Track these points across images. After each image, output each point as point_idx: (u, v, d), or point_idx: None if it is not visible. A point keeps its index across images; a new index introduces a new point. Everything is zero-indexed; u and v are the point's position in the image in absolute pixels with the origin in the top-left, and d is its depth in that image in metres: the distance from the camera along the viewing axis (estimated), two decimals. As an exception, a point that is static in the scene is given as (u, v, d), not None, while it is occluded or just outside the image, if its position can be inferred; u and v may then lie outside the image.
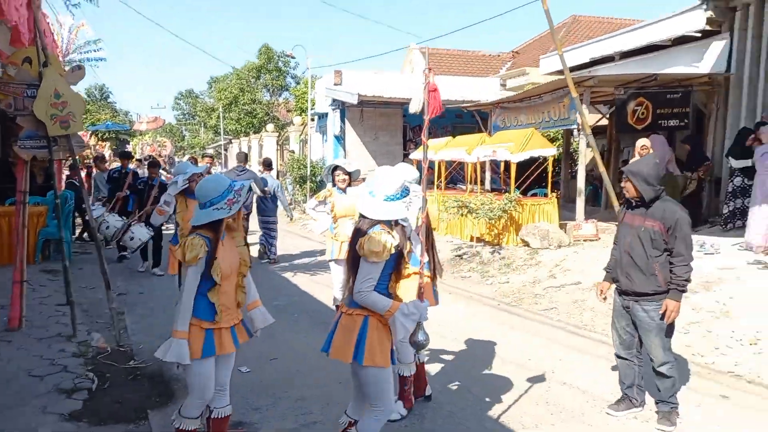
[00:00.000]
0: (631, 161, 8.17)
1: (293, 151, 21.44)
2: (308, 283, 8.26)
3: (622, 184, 3.89)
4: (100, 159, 11.76)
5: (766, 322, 5.45)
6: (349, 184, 5.51)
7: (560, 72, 14.52)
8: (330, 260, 5.63)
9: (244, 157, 10.23)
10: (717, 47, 10.04)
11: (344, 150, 15.95)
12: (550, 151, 9.58)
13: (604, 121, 12.62)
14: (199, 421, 3.13)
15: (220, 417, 3.19)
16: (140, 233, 8.08)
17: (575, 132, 9.91)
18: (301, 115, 22.43)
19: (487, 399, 4.25)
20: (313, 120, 19.06)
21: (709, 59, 10.22)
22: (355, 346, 2.79)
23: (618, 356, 4.03)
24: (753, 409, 4.12)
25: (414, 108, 3.87)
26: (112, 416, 3.81)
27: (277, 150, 25.28)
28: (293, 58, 32.27)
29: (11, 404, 3.83)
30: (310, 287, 7.91)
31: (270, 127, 26.36)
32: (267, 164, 10.34)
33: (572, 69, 13.70)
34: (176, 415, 3.10)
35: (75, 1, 6.07)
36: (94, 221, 6.54)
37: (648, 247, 3.71)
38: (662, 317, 3.68)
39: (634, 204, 3.86)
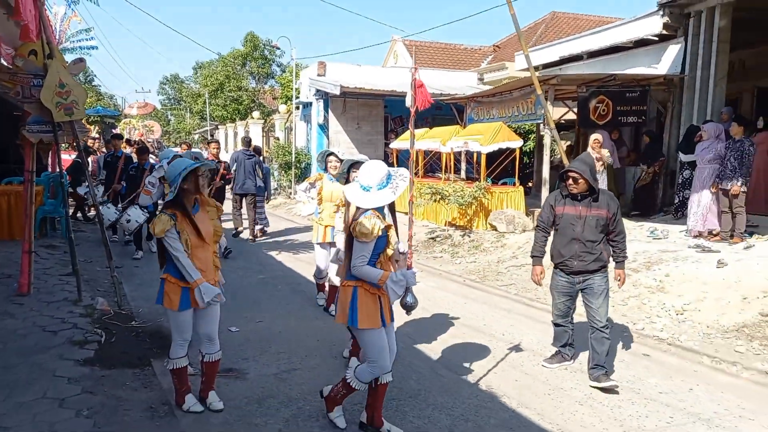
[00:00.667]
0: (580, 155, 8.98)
1: (278, 138, 21.99)
2: (291, 260, 8.92)
3: (570, 183, 4.31)
4: (114, 137, 11.31)
5: (694, 296, 6.24)
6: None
7: (534, 69, 15.32)
8: (316, 243, 6.08)
9: (248, 142, 10.83)
10: (673, 50, 10.83)
11: (328, 138, 16.56)
12: (517, 144, 10.32)
13: (572, 116, 13.39)
14: (186, 359, 3.79)
15: (211, 361, 3.85)
16: (136, 215, 8.27)
17: (541, 126, 10.64)
18: (286, 103, 22.92)
19: (441, 354, 4.97)
20: (297, 108, 19.61)
21: (666, 61, 11.02)
22: (349, 312, 3.35)
23: (555, 324, 4.73)
24: (667, 364, 4.90)
25: (408, 103, 4.54)
26: (120, 362, 4.46)
27: (263, 137, 25.76)
28: (278, 48, 32.58)
29: (30, 352, 4.45)
30: (293, 264, 8.59)
31: (256, 114, 26.82)
32: (257, 150, 11.03)
33: (545, 66, 14.53)
34: (167, 360, 3.78)
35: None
36: (96, 198, 7.11)
37: (596, 233, 4.29)
38: (605, 285, 4.38)
39: (579, 197, 4.34)
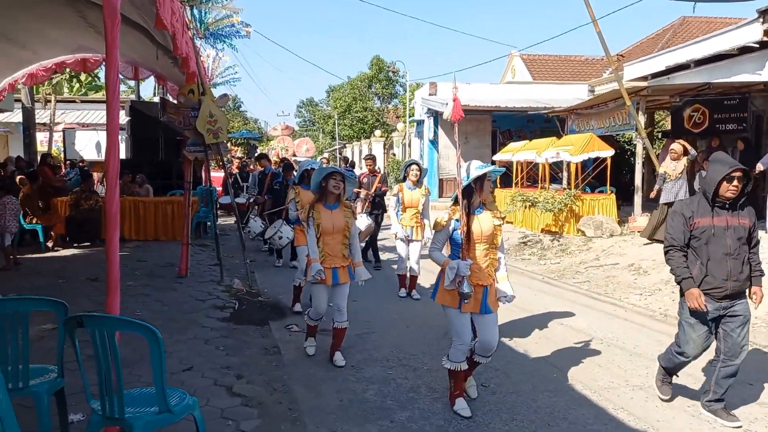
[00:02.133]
0: (663, 163, 9.28)
1: (395, 154, 23.65)
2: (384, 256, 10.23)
3: (735, 184, 3.57)
4: (260, 156, 12.68)
5: None
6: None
7: (643, 78, 15.49)
8: (398, 238, 7.22)
9: (346, 160, 12.41)
10: (774, 57, 10.69)
11: (438, 152, 17.80)
12: (608, 153, 10.81)
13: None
14: (318, 321, 4.95)
15: (339, 327, 4.81)
16: (287, 233, 9.36)
17: (634, 135, 11.02)
18: (404, 121, 24.57)
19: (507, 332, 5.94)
20: (412, 126, 21.10)
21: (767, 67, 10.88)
22: (433, 289, 3.97)
23: (683, 354, 3.83)
24: None
25: (446, 115, 5.58)
26: (247, 321, 5.99)
27: (384, 153, 27.65)
28: (395, 72, 34.75)
29: (187, 312, 6.14)
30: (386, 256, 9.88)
31: (377, 132, 28.86)
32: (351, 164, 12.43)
33: (654, 75, 14.65)
34: (306, 316, 5.06)
35: (231, 43, 8.31)
36: (236, 206, 8.97)
37: (745, 246, 3.67)
38: (749, 309, 3.74)
39: (726, 205, 3.66)
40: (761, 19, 10.57)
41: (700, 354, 3.80)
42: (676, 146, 9.05)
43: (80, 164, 14.67)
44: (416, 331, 5.80)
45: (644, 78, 15.63)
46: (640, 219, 10.42)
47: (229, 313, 6.25)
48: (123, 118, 16.27)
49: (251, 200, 11.15)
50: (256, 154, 15.33)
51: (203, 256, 9.66)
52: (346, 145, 37.12)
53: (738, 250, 3.62)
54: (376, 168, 9.95)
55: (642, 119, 10.63)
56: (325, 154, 38.31)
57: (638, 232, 10.30)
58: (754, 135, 10.99)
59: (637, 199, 10.68)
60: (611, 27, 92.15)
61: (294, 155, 30.25)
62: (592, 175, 11.40)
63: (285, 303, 6.84)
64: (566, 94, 18.61)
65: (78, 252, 9.65)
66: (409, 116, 21.16)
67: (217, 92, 9.36)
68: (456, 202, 3.83)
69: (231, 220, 14.11)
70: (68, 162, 14.84)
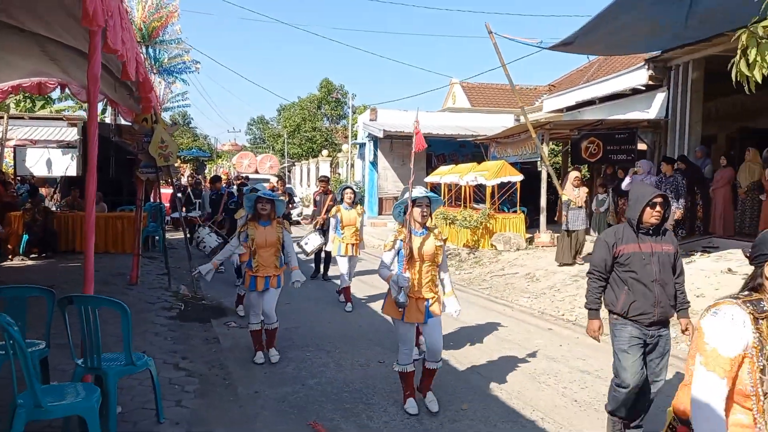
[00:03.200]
0: (564, 191, 10.73)
1: (339, 174, 24.91)
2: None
3: (657, 210, 3.58)
4: (214, 179, 13.16)
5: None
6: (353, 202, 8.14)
7: (559, 111, 17.38)
8: (338, 255, 8.00)
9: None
10: (659, 98, 12.59)
11: (377, 173, 19.15)
12: (518, 178, 12.37)
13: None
14: (259, 324, 5.50)
15: (270, 329, 5.57)
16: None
17: (539, 163, 12.64)
18: (348, 143, 25.92)
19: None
20: (356, 147, 22.43)
21: (654, 107, 12.79)
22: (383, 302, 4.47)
23: (622, 385, 3.63)
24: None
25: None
26: (192, 320, 7.03)
27: (331, 172, 28.87)
28: (345, 95, 36.35)
29: (139, 312, 7.11)
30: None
31: (324, 152, 30.11)
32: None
33: (568, 109, 16.53)
34: (247, 324, 5.72)
35: (183, 78, 9.36)
36: (183, 221, 9.96)
37: (670, 272, 3.64)
38: (670, 341, 3.76)
39: (650, 231, 3.66)
40: (647, 66, 12.44)
41: (639, 382, 3.59)
42: (576, 174, 10.53)
43: (30, 180, 15.23)
44: (337, 328, 6.97)
45: (560, 110, 17.57)
46: (543, 235, 11.97)
47: (176, 313, 7.29)
48: (75, 136, 16.91)
49: (203, 217, 12.04)
50: (210, 176, 16.13)
51: (152, 267, 10.57)
52: (295, 164, 38.13)
53: (663, 277, 3.59)
54: (329, 188, 10.79)
55: (546, 149, 12.26)
56: (273, 180, 39.31)
57: (542, 246, 11.86)
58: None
59: (542, 218, 12.25)
60: (548, 57, 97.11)
61: (257, 171, 30.41)
62: (505, 197, 12.94)
63: (226, 305, 7.91)
64: (497, 121, 20.36)
65: (33, 263, 10.39)
66: (353, 138, 22.52)
67: (167, 114, 10.38)
68: (402, 224, 4.29)
69: (178, 235, 14.95)
70: (18, 178, 15.35)
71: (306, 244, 9.55)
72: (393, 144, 18.92)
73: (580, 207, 10.26)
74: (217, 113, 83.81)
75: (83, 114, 20.06)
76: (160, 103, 12.17)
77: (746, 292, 2.03)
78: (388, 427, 4.15)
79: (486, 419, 4.30)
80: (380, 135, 17.49)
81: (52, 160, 15.38)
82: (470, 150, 19.80)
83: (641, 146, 12.94)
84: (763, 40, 5.40)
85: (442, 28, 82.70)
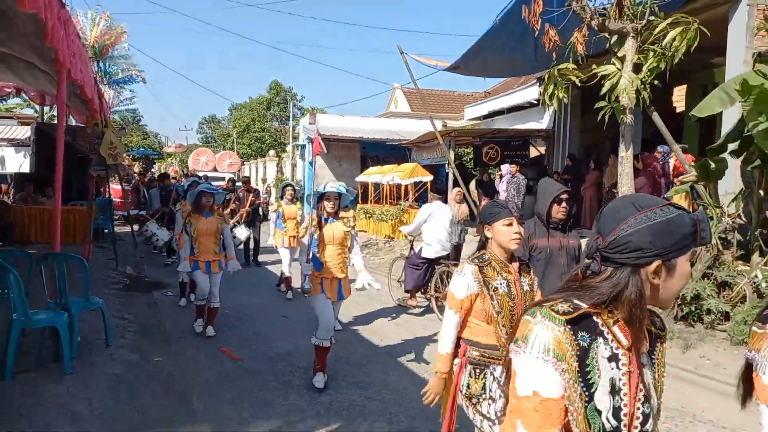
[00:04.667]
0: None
1: (282, 173, 26.51)
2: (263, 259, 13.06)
3: (564, 206, 3.81)
4: (162, 176, 14.36)
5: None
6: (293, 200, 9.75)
7: (477, 119, 19.46)
8: (282, 247, 8.79)
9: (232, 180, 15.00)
10: (550, 111, 14.77)
11: (315, 172, 20.87)
12: (428, 178, 14.32)
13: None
14: (204, 300, 6.30)
15: (212, 307, 6.36)
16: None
17: (446, 166, 14.63)
18: (292, 144, 27.53)
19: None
20: (298, 149, 24.08)
21: (546, 119, 14.97)
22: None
23: None
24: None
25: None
26: (136, 291, 8.60)
27: (277, 171, 30.38)
28: (294, 97, 37.81)
29: (94, 287, 8.63)
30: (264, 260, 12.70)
31: (271, 152, 31.56)
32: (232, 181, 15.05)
33: (485, 117, 18.66)
34: (193, 299, 7.10)
35: (131, 89, 10.86)
36: (133, 217, 11.43)
37: (575, 265, 3.58)
38: None
39: (558, 226, 3.87)
40: (538, 83, 14.60)
41: None
42: (457, 189, 12.35)
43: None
44: (270, 310, 8.64)
45: (478, 118, 19.71)
46: (450, 228, 13.94)
47: (122, 286, 8.85)
48: (26, 134, 17.97)
49: (151, 213, 13.38)
50: (156, 174, 17.38)
51: (101, 254, 11.98)
52: (244, 163, 39.36)
53: (570, 270, 3.60)
54: (251, 186, 12.43)
55: (452, 154, 14.25)
56: (227, 178, 40.48)
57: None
58: (543, 168, 14.99)
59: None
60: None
61: (215, 169, 30.42)
62: (417, 194, 14.90)
63: (166, 282, 9.46)
64: (423, 127, 22.33)
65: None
66: (296, 140, 24.16)
67: (117, 114, 11.83)
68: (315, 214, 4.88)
69: (127, 229, 16.26)
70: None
71: (235, 237, 11.08)
72: (330, 146, 20.66)
73: (459, 221, 11.86)
74: (168, 113, 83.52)
75: (31, 112, 21.05)
76: (109, 107, 13.58)
77: (477, 252, 2.83)
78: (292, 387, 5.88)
79: (385, 383, 5.13)
80: (314, 138, 19.23)
81: (5, 157, 16.44)
82: (402, 152, 21.74)
83: (535, 152, 15.13)
84: (559, 79, 7.46)
85: (380, 41, 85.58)
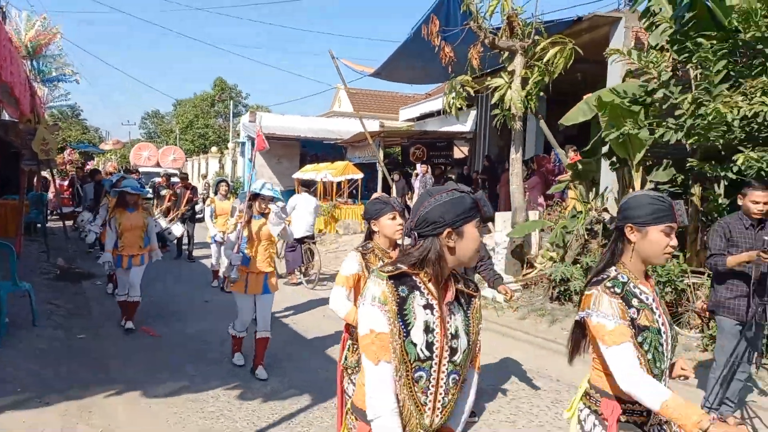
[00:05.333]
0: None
1: (224, 170, 26.78)
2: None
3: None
4: (93, 171, 14.56)
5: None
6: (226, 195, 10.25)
7: (411, 120, 20.35)
8: (212, 241, 9.24)
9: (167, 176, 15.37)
10: (472, 115, 15.83)
11: (255, 169, 21.33)
12: (359, 176, 15.11)
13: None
14: (125, 297, 6.39)
15: (131, 302, 6.41)
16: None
17: (377, 164, 15.47)
18: (233, 142, 27.81)
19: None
20: (239, 146, 24.43)
21: (469, 122, 16.02)
22: None
23: None
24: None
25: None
26: (65, 281, 9.02)
27: (220, 167, 30.53)
28: (239, 94, 37.92)
29: (25, 276, 9.00)
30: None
31: (214, 149, 31.65)
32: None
33: (418, 119, 19.60)
34: (115, 294, 7.31)
35: (63, 85, 11.12)
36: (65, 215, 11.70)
37: None
38: None
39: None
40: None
41: None
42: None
43: None
44: (188, 295, 9.23)
45: (413, 119, 20.65)
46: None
47: (53, 276, 9.25)
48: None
49: (86, 206, 13.59)
50: (88, 169, 17.43)
51: (33, 247, 12.22)
52: (187, 160, 39.16)
53: None
54: (189, 183, 12.65)
55: (381, 153, 15.09)
56: (162, 174, 40.06)
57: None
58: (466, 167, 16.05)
59: (379, 209, 15.09)
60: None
61: (158, 165, 29.40)
62: (349, 191, 15.68)
63: (97, 273, 9.88)
64: (360, 127, 23.12)
65: None
66: (237, 137, 24.48)
67: (54, 108, 12.01)
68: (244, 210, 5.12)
69: (60, 224, 16.35)
70: None
71: (170, 233, 11.48)
72: (270, 144, 21.15)
73: None
74: (109, 108, 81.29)
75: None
76: (43, 103, 13.75)
77: (363, 242, 3.15)
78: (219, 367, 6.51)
79: (308, 367, 5.52)
80: (254, 136, 19.71)
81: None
82: (340, 151, 22.46)
83: (460, 153, 16.16)
84: (458, 90, 8.37)
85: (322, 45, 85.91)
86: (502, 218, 8.74)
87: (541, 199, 9.85)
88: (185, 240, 12.32)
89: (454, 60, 8.10)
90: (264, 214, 5.09)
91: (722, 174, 6.04)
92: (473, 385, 1.91)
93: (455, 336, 1.74)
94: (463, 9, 8.42)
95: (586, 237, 7.56)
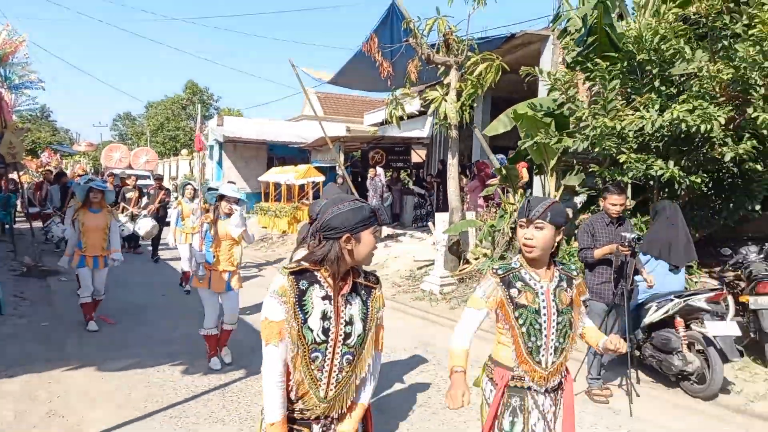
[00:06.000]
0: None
1: (192, 172, 27.20)
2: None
3: None
4: (59, 174, 14.93)
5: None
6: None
7: (375, 125, 21.10)
8: (179, 244, 9.05)
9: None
10: (429, 122, 16.65)
11: (223, 172, 21.87)
12: (320, 179, 15.82)
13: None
14: (90, 297, 6.44)
15: (97, 299, 6.64)
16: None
17: (337, 167, 16.19)
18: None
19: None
20: (208, 149, 24.89)
21: (426, 128, 16.85)
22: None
23: None
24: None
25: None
26: (32, 277, 9.54)
27: (190, 170, 30.90)
28: (210, 97, 38.27)
29: (-11, 273, 9.52)
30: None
31: (184, 151, 32.02)
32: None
33: (381, 124, 20.34)
34: (78, 296, 6.52)
35: (30, 94, 11.62)
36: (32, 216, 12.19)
37: None
38: None
39: None
40: (418, 96, 16.44)
41: None
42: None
43: None
44: (147, 289, 9.82)
45: (376, 124, 21.41)
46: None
47: (20, 273, 9.77)
48: None
49: (54, 209, 13.98)
50: (54, 172, 17.82)
51: (1, 247, 12.66)
52: (158, 162, 39.38)
53: None
54: (162, 184, 13.19)
55: (341, 157, 15.82)
56: (132, 175, 40.21)
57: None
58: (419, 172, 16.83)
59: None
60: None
61: (130, 166, 28.72)
62: (311, 192, 16.39)
63: (61, 270, 10.40)
64: (329, 131, 23.81)
65: None
66: (207, 140, 24.99)
67: (23, 110, 12.51)
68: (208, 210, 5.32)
69: (27, 225, 16.73)
70: None
71: (139, 228, 12.04)
72: (236, 147, 21.76)
73: None
74: (80, 109, 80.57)
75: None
76: (10, 109, 14.17)
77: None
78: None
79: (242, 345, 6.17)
80: (221, 140, 20.30)
81: None
82: (305, 154, 23.12)
83: (417, 157, 16.97)
84: (399, 100, 9.13)
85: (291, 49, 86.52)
86: (441, 218, 9.53)
87: (480, 201, 10.66)
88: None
89: (393, 74, 8.87)
90: (229, 215, 5.27)
91: (618, 178, 6.91)
92: (377, 363, 2.18)
93: (349, 323, 2.00)
94: (403, 26, 9.22)
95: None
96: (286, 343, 1.92)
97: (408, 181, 18.06)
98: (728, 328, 4.89)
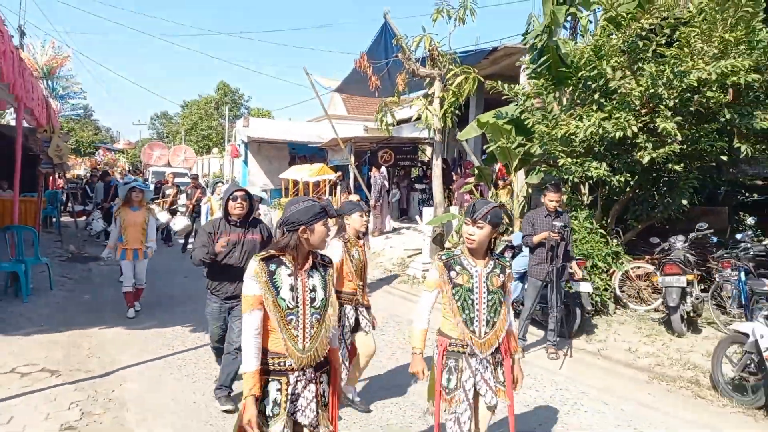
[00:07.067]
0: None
1: (221, 169, 28.92)
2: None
3: (239, 202, 4.43)
4: (104, 173, 16.73)
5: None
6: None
7: (391, 124, 22.27)
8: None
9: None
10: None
11: (248, 169, 23.47)
12: (333, 176, 17.14)
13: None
14: (132, 287, 7.24)
15: (139, 288, 7.42)
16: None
17: (349, 166, 17.48)
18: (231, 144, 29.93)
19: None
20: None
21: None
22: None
23: (214, 347, 5.33)
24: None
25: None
26: (76, 262, 11.15)
27: (220, 167, 32.69)
28: (241, 97, 40.07)
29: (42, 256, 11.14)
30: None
31: (215, 150, 33.84)
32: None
33: (398, 123, 21.56)
34: (123, 286, 7.76)
35: (75, 103, 13.30)
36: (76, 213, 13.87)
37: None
38: None
39: (237, 222, 4.51)
40: (422, 99, 17.60)
41: (220, 344, 4.69)
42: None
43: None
44: (180, 284, 11.31)
45: (391, 125, 22.57)
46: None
47: (65, 258, 11.39)
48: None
49: (98, 205, 15.54)
50: (99, 173, 19.63)
51: (49, 237, 14.40)
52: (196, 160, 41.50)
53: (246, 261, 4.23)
54: (198, 183, 14.34)
55: (352, 157, 17.11)
56: (170, 173, 42.40)
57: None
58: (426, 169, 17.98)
59: (351, 206, 17.15)
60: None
61: (169, 164, 30.05)
62: (327, 189, 17.74)
63: (102, 258, 12.01)
64: (347, 131, 25.13)
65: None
66: (234, 140, 26.65)
67: (67, 113, 14.23)
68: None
69: (71, 219, 18.59)
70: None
71: (174, 224, 13.51)
72: (261, 147, 23.31)
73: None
74: (121, 108, 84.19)
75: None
76: (56, 114, 15.93)
77: (338, 233, 4.32)
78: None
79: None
80: (246, 140, 21.89)
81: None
82: (323, 153, 24.50)
83: (425, 157, 18.12)
84: (387, 109, 10.37)
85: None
86: (428, 212, 10.73)
87: (467, 197, 11.80)
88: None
89: (380, 87, 10.11)
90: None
91: (567, 177, 8.01)
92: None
93: (313, 290, 2.58)
94: (394, 43, 10.46)
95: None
96: (259, 312, 2.47)
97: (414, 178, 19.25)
98: (585, 287, 6.59)
